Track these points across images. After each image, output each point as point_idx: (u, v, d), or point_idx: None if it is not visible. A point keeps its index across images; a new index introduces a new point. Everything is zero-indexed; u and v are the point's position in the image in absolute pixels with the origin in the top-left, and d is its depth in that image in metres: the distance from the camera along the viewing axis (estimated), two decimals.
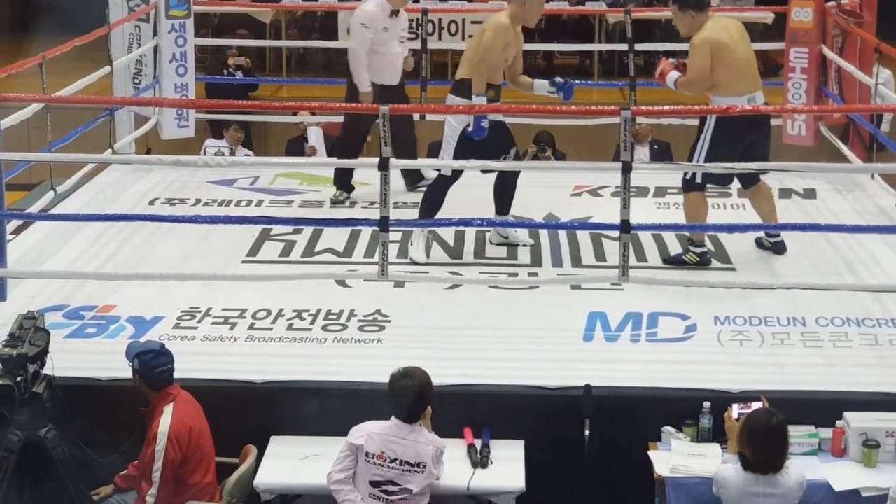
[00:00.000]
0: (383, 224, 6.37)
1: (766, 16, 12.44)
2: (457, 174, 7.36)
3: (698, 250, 7.28)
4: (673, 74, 7.17)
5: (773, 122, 9.79)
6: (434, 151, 10.18)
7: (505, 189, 7.70)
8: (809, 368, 6.08)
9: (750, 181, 7.48)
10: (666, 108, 6.97)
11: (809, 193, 8.84)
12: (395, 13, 8.48)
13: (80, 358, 6.03)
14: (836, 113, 9.55)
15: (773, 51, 11.84)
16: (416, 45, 10.37)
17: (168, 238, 7.68)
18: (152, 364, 5.37)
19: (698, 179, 7.21)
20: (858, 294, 6.81)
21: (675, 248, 7.53)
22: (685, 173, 7.19)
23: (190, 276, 6.90)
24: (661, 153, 10.86)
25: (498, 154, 7.41)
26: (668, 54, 12.85)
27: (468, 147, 7.27)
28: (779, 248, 7.49)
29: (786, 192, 8.84)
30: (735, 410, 5.42)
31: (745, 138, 7.07)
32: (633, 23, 10.36)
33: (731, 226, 7.53)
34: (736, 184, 8.81)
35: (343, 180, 8.65)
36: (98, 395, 5.80)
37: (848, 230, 7.52)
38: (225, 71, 12.32)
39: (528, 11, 7.35)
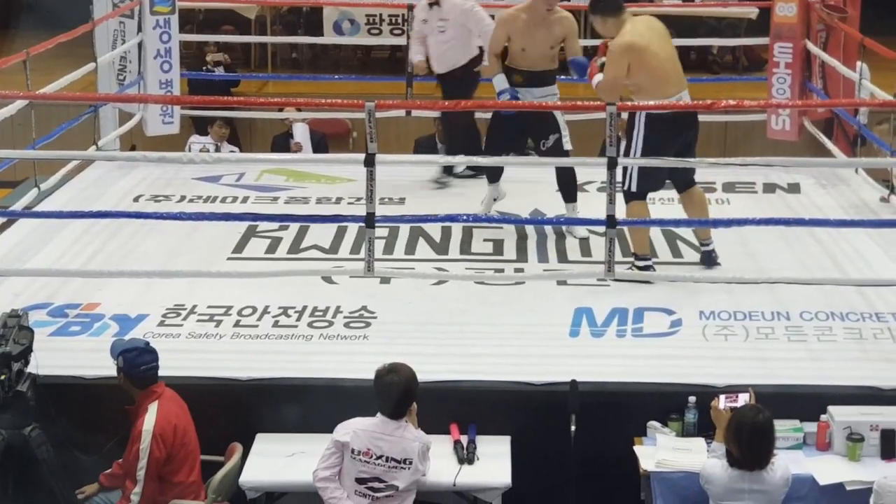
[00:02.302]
0: (369, 220, 6.38)
1: (751, 11, 12.46)
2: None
3: (641, 264, 7.14)
4: (598, 77, 7.04)
5: (757, 117, 9.93)
6: (422, 147, 10.20)
7: (560, 176, 7.87)
8: (794, 363, 6.10)
9: (685, 185, 7.27)
10: (651, 103, 6.97)
11: (794, 188, 8.86)
12: (433, 4, 8.64)
13: (65, 356, 6.02)
14: (819, 108, 9.57)
15: (758, 46, 11.89)
16: (403, 40, 10.40)
17: (153, 235, 7.66)
18: (137, 362, 5.37)
19: (634, 188, 7.03)
20: (842, 288, 6.83)
21: (660, 243, 7.55)
22: (623, 183, 6.98)
23: (175, 273, 6.89)
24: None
25: (525, 137, 7.96)
26: None
27: (495, 126, 7.83)
28: (707, 260, 7.29)
29: (770, 187, 8.87)
30: (722, 400, 5.43)
31: (677, 139, 6.95)
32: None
33: (715, 221, 7.53)
34: (722, 179, 8.85)
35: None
36: (83, 394, 5.79)
37: (832, 225, 7.53)
38: (204, 68, 12.29)
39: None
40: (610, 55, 6.92)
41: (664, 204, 7.99)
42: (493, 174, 8.07)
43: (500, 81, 7.71)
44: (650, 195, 7.17)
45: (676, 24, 13.79)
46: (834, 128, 9.56)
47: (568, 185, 7.91)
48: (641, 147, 6.90)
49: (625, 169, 6.92)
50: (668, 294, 6.76)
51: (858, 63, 8.90)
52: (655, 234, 7.64)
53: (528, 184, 8.24)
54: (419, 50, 8.94)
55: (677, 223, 7.35)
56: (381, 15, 13.23)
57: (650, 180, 7.04)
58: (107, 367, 5.52)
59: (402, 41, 10.55)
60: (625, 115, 7.12)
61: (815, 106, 9.64)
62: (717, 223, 7.37)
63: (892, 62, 8.07)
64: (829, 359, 6.14)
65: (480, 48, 8.56)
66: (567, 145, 7.78)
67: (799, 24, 9.49)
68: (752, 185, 8.90)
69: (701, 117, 7.28)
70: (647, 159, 6.82)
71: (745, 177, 8.97)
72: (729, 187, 8.84)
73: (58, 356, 5.89)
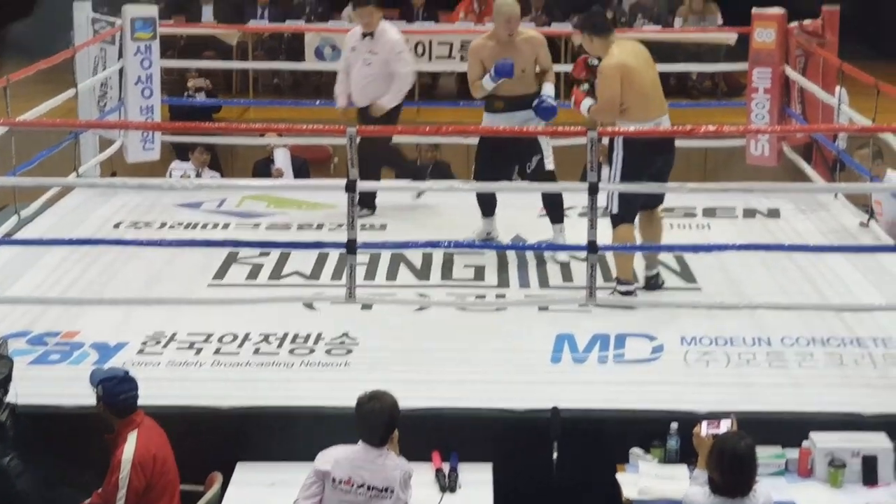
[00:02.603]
0: (351, 246, 6.38)
1: (730, 37, 12.53)
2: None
3: (623, 289, 7.13)
4: (587, 102, 7.12)
5: (737, 143, 9.96)
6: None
7: (545, 197, 7.90)
8: (775, 388, 6.10)
9: (646, 206, 7.28)
10: (632, 128, 6.99)
11: (773, 213, 8.89)
12: (367, 35, 8.55)
13: (44, 385, 5.99)
14: (799, 133, 9.61)
15: (737, 71, 11.93)
16: None
17: (133, 262, 7.64)
18: (116, 390, 5.34)
19: (615, 210, 7.05)
20: (823, 314, 6.84)
21: (640, 268, 7.54)
22: (606, 208, 7.02)
23: (155, 300, 6.87)
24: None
25: (512, 164, 7.83)
26: None
27: (483, 157, 7.83)
28: (651, 286, 7.32)
29: (750, 212, 8.89)
30: (704, 427, 5.41)
31: (654, 162, 6.99)
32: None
33: (696, 246, 7.55)
34: (702, 204, 8.88)
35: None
36: (62, 423, 5.75)
37: (812, 250, 7.56)
38: (185, 94, 12.29)
39: (496, 26, 7.70)
40: (603, 75, 6.99)
41: None
42: (487, 208, 8.04)
43: (487, 79, 7.64)
44: None
45: (656, 50, 13.72)
46: (813, 153, 9.59)
47: (554, 206, 7.93)
48: (621, 169, 6.92)
49: (607, 193, 6.96)
50: (649, 319, 6.77)
51: (837, 88, 8.94)
52: (636, 259, 7.65)
53: (510, 209, 8.24)
54: (343, 90, 8.81)
55: (658, 249, 7.36)
56: None
57: (632, 203, 7.06)
58: (86, 396, 5.48)
59: None
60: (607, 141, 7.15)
61: (794, 131, 9.68)
62: (698, 248, 7.39)
63: (871, 87, 8.11)
64: (810, 385, 6.14)
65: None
66: (549, 165, 7.79)
67: (777, 49, 9.53)
68: (733, 211, 8.92)
69: (681, 143, 7.31)
70: (627, 185, 6.84)
71: (726, 202, 8.99)
72: (709, 212, 8.87)
73: (37, 385, 5.87)
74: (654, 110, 7.08)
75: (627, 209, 7.06)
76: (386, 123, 8.38)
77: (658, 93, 7.17)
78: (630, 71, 6.97)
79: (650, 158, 6.97)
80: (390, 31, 8.67)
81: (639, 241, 7.32)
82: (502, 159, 7.78)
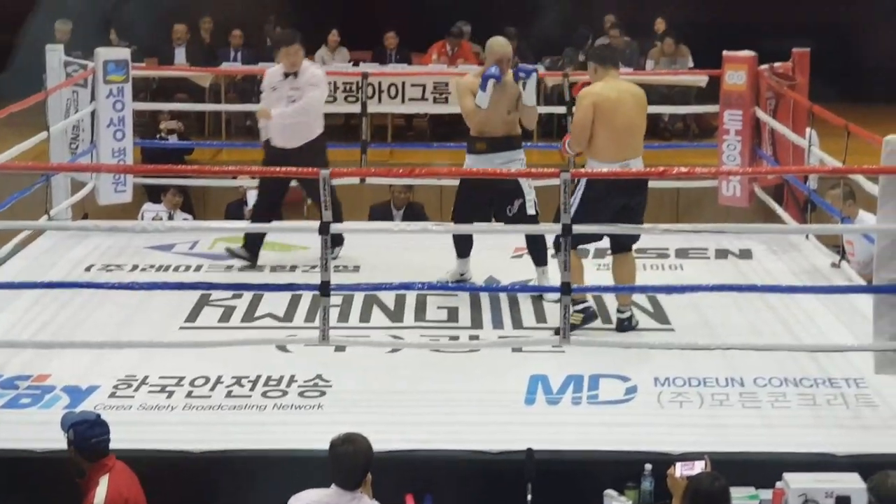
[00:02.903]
0: (324, 289, 6.36)
1: (701, 79, 12.62)
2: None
3: (580, 307, 7.19)
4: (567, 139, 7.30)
5: (709, 183, 10.01)
6: (377, 214, 10.21)
7: (528, 240, 7.91)
8: (749, 429, 6.10)
9: (619, 248, 7.37)
10: (604, 170, 7.02)
11: (745, 254, 8.92)
12: (289, 74, 8.47)
13: (15, 429, 5.95)
14: (769, 174, 9.67)
15: (708, 113, 12.01)
16: (357, 108, 10.43)
17: (105, 305, 7.60)
18: (87, 434, 5.29)
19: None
20: (796, 354, 6.86)
21: (614, 308, 7.56)
22: (556, 236, 7.00)
23: (126, 343, 6.84)
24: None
25: (492, 207, 7.82)
26: None
27: (462, 197, 7.80)
28: (622, 327, 7.33)
29: (722, 253, 8.93)
30: (678, 468, 5.41)
31: (615, 201, 7.03)
32: (570, 86, 10.45)
33: (669, 287, 7.57)
34: (675, 245, 8.92)
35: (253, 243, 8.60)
36: (34, 467, 5.71)
37: (784, 291, 7.59)
38: (158, 136, 12.29)
39: (487, 65, 7.74)
40: (577, 101, 7.18)
41: (606, 270, 8.03)
42: (463, 249, 8.05)
43: (480, 94, 7.63)
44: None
45: None
46: (784, 194, 9.64)
47: (536, 249, 7.94)
48: (578, 201, 6.97)
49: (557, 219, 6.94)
50: (622, 360, 6.77)
51: (808, 130, 9.00)
52: (610, 300, 7.67)
53: (483, 250, 8.25)
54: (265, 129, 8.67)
55: (631, 290, 7.37)
56: (335, 83, 13.24)
57: (582, 238, 7.06)
58: (58, 441, 5.43)
59: (356, 108, 10.58)
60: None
61: (765, 173, 9.73)
62: (671, 289, 7.41)
63: (841, 129, 8.17)
64: (783, 425, 6.15)
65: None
66: (531, 209, 7.79)
67: (748, 91, 9.60)
68: (705, 251, 8.96)
69: (654, 184, 7.36)
70: (612, 226, 6.86)
71: (698, 243, 9.03)
72: (682, 253, 8.90)
73: (8, 429, 5.83)
74: (625, 152, 7.13)
75: (577, 239, 6.98)
76: (314, 160, 7.93)
77: (633, 136, 7.23)
78: (605, 105, 7.06)
79: (612, 198, 7.03)
80: (312, 67, 8.67)
81: (613, 282, 7.36)
82: (482, 201, 7.79)
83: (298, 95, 8.42)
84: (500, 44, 7.76)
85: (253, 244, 8.53)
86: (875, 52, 16.22)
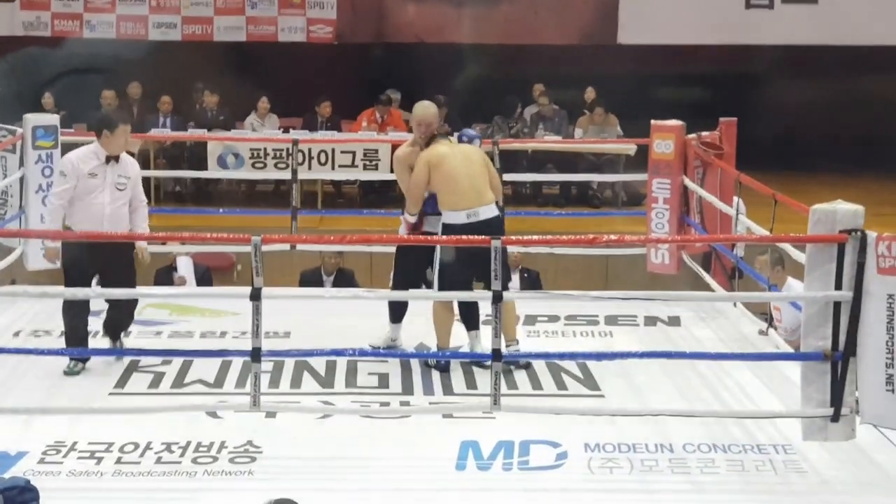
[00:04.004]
0: (255, 355, 6.33)
1: (629, 148, 12.79)
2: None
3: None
4: None
5: (638, 251, 10.11)
6: (307, 280, 10.21)
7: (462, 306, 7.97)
8: (678, 495, 6.13)
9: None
10: (535, 237, 7.08)
11: (674, 321, 9.01)
12: (112, 159, 7.70)
13: None
14: (697, 242, 9.79)
15: (637, 181, 12.16)
16: (287, 174, 10.44)
17: (33, 371, 7.51)
18: (17, 500, 5.21)
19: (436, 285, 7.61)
20: (724, 420, 6.91)
21: (544, 374, 7.60)
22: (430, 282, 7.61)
23: (55, 409, 6.76)
24: (531, 282, 11.00)
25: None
26: (535, 184, 13.20)
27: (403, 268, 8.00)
28: (511, 361, 7.62)
29: (651, 320, 9.00)
30: None
31: (474, 252, 7.24)
32: (500, 153, 10.54)
33: (599, 354, 7.62)
34: (604, 312, 8.99)
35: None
36: None
37: (712, 358, 7.66)
38: None
39: (415, 134, 8.01)
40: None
41: (548, 336, 8.08)
42: (397, 314, 8.09)
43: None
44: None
45: (557, 160, 14.16)
46: (712, 261, 9.77)
47: (469, 315, 7.97)
48: (441, 251, 7.51)
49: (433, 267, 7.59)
50: (553, 426, 6.78)
51: (735, 198, 9.14)
52: (539, 366, 7.70)
53: (413, 316, 8.26)
54: (57, 218, 7.70)
55: (561, 356, 7.42)
56: (265, 149, 13.33)
57: (454, 283, 7.46)
58: None
59: (286, 175, 10.59)
60: (511, 249, 7.22)
61: (693, 241, 9.86)
62: (601, 356, 7.45)
63: (768, 197, 8.30)
64: (712, 491, 6.19)
65: None
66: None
67: (676, 160, 9.74)
68: (634, 318, 9.03)
69: (583, 251, 7.40)
70: (528, 293, 6.92)
71: (627, 310, 9.10)
72: (611, 320, 8.97)
73: None
74: (467, 201, 7.60)
75: (447, 286, 7.52)
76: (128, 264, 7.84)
77: (475, 186, 7.65)
78: (439, 157, 7.62)
79: (468, 249, 7.36)
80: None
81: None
82: (421, 263, 7.83)
83: (129, 183, 7.79)
84: (421, 106, 7.97)
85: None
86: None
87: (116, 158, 7.75)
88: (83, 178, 7.63)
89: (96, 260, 7.62)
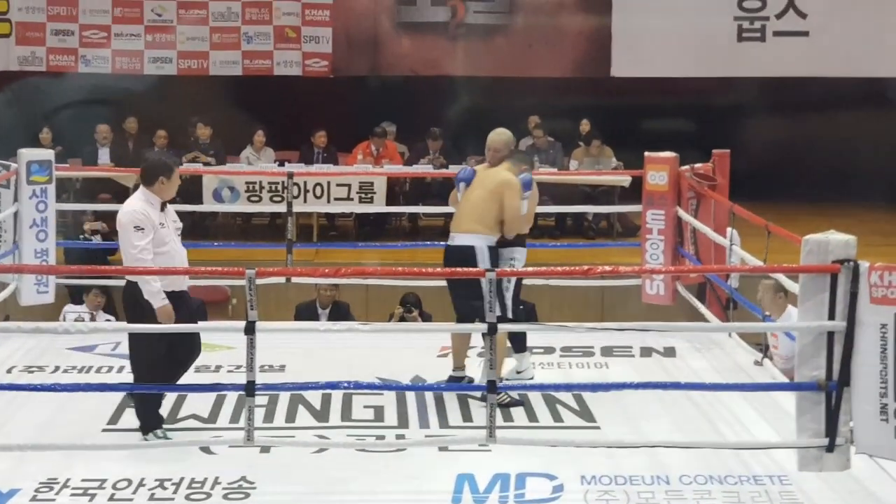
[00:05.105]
0: (249, 389, 6.32)
1: (624, 179, 12.77)
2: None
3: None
4: None
5: (633, 282, 10.11)
6: (302, 313, 10.19)
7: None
8: None
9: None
10: (530, 269, 7.08)
11: (669, 352, 9.00)
12: (163, 205, 7.26)
13: None
14: (692, 273, 9.79)
15: (631, 213, 12.17)
16: (282, 207, 10.44)
17: (26, 407, 7.48)
18: None
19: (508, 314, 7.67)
20: (720, 452, 6.89)
21: (540, 406, 7.58)
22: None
23: (48, 445, 6.73)
24: (527, 313, 10.98)
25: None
26: None
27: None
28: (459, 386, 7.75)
29: (646, 351, 8.99)
30: None
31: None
32: None
33: (594, 385, 7.59)
34: (600, 343, 8.99)
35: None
36: None
37: (708, 388, 7.64)
38: (81, 236, 12.22)
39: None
40: None
41: (544, 368, 8.06)
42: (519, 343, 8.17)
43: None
44: None
45: (552, 192, 14.18)
46: (707, 292, 9.77)
47: (515, 339, 8.07)
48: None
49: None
50: (549, 459, 6.76)
51: (729, 229, 9.15)
52: (535, 398, 7.69)
53: (409, 349, 8.26)
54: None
55: (557, 388, 7.41)
56: (260, 182, 13.33)
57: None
58: None
59: (281, 208, 10.59)
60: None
61: (687, 272, 9.87)
62: (597, 387, 7.43)
63: (761, 228, 8.30)
64: None
65: None
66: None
67: (670, 192, 9.75)
68: (630, 349, 9.02)
69: (578, 282, 7.39)
70: (525, 325, 6.92)
71: (623, 341, 9.09)
72: (607, 351, 8.96)
73: None
74: (453, 225, 7.90)
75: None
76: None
77: (462, 211, 7.86)
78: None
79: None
80: None
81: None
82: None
83: (178, 227, 7.40)
84: (493, 133, 8.26)
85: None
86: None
87: (165, 204, 7.26)
88: (157, 229, 7.09)
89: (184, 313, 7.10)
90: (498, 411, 6.53)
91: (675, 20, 16.85)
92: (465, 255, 7.68)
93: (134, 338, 7.17)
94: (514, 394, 7.50)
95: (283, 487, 6.50)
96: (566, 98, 16.61)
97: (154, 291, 6.97)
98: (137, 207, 7.08)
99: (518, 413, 7.55)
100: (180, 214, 10.78)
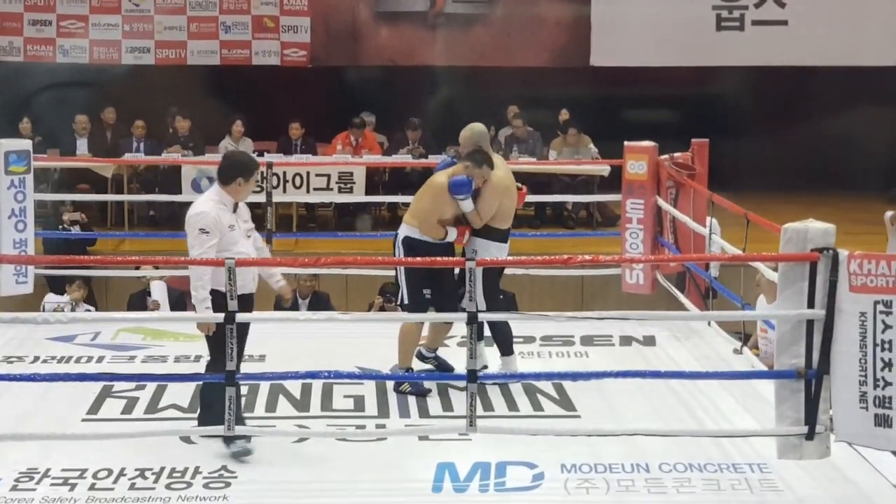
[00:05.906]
0: (230, 378, 6.31)
1: (603, 168, 12.83)
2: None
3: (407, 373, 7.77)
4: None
5: (612, 271, 10.13)
6: (282, 303, 10.16)
7: (492, 328, 7.92)
8: None
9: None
10: (510, 258, 7.08)
11: (649, 341, 9.02)
12: (236, 206, 7.05)
13: None
14: (671, 262, 9.82)
15: (611, 202, 12.19)
16: (261, 197, 10.43)
17: (5, 397, 7.45)
18: None
19: (405, 301, 7.76)
20: (700, 439, 6.91)
21: (520, 395, 7.59)
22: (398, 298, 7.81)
23: (28, 435, 6.71)
24: (507, 302, 10.99)
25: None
26: None
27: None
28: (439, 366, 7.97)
29: (626, 340, 9.01)
30: None
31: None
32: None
33: (574, 374, 7.61)
34: (580, 332, 9.00)
35: None
36: None
37: (688, 376, 7.67)
38: (60, 227, 12.19)
39: None
40: None
41: (524, 357, 8.07)
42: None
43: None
44: None
45: (532, 181, 14.17)
46: (686, 281, 9.79)
47: (499, 337, 8.00)
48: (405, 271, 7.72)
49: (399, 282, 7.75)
50: (529, 447, 6.77)
51: (708, 218, 9.17)
52: (515, 387, 7.70)
53: (389, 339, 8.24)
54: (208, 283, 6.73)
55: (537, 377, 7.42)
56: None
57: (420, 302, 7.69)
58: None
59: (261, 198, 10.57)
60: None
61: (667, 260, 9.89)
62: (577, 376, 7.45)
63: (741, 217, 8.32)
64: None
65: None
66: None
67: (649, 181, 9.76)
68: (610, 338, 9.04)
69: (558, 271, 7.41)
70: (505, 314, 6.93)
71: (603, 330, 9.11)
72: (587, 340, 8.97)
73: None
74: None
75: (414, 307, 7.66)
76: None
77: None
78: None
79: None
80: None
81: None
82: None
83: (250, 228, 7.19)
84: (465, 128, 8.21)
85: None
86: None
87: (237, 204, 7.01)
88: (225, 232, 6.83)
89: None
90: (478, 400, 6.53)
91: (653, 9, 16.88)
92: (394, 244, 7.88)
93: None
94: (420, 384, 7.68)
95: (263, 476, 6.50)
96: (546, 88, 16.62)
97: (200, 299, 6.70)
98: (207, 209, 6.81)
99: (498, 402, 7.56)
100: (158, 205, 10.83)
